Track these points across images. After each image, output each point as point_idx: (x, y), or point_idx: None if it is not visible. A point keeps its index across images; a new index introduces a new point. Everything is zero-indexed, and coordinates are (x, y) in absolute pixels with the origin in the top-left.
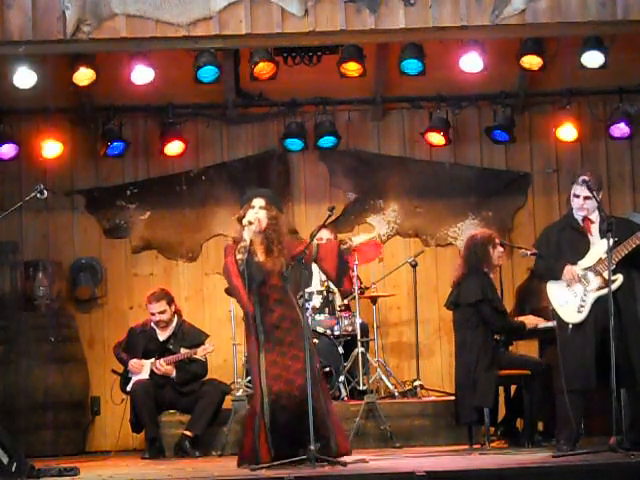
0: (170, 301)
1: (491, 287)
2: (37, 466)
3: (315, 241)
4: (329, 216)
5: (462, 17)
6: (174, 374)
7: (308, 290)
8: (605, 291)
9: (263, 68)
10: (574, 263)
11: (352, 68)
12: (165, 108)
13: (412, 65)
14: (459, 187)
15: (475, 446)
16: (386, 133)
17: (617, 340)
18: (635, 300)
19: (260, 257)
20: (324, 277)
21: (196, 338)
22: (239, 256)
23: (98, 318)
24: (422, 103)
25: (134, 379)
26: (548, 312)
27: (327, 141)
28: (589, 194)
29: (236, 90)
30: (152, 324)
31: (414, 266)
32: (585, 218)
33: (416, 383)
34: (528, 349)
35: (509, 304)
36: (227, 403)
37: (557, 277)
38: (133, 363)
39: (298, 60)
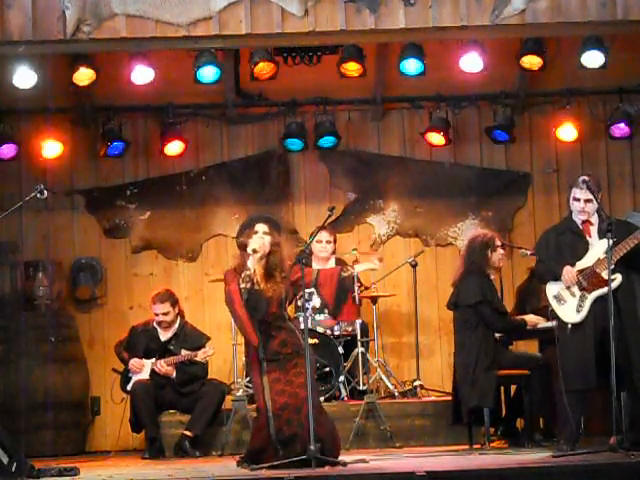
0: (174, 303)
1: (491, 288)
2: (37, 466)
3: (315, 267)
4: (329, 216)
5: (462, 17)
6: (174, 375)
7: (308, 290)
8: (604, 291)
9: (263, 68)
10: (573, 265)
11: (352, 68)
12: (165, 108)
13: (412, 65)
14: (459, 187)
15: (475, 446)
16: (386, 133)
17: (617, 340)
18: (635, 300)
19: (261, 284)
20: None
21: (197, 340)
22: (243, 285)
23: (98, 318)
24: (422, 103)
25: (134, 379)
26: (548, 312)
27: (327, 141)
28: (590, 197)
29: (236, 90)
30: (154, 324)
31: (414, 266)
32: (584, 221)
33: (416, 383)
34: (528, 349)
35: (509, 304)
36: (227, 403)
37: (557, 278)
38: (133, 362)
39: (298, 60)
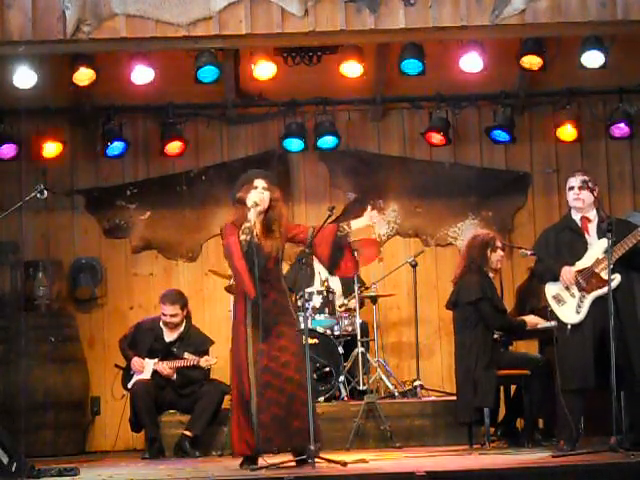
0: (184, 305)
1: (490, 286)
2: (37, 466)
3: (311, 228)
4: (329, 216)
5: (462, 17)
6: (175, 377)
7: (308, 290)
8: (603, 291)
9: (263, 68)
10: (572, 264)
11: (352, 68)
12: (165, 108)
13: (412, 65)
14: (459, 187)
15: (475, 446)
16: (386, 133)
17: (616, 340)
18: (634, 300)
19: (260, 239)
20: (324, 277)
21: (202, 345)
22: (243, 237)
23: (98, 318)
24: (422, 103)
25: (136, 378)
26: (547, 312)
27: (327, 141)
28: (583, 183)
29: (236, 90)
30: (161, 323)
31: (414, 266)
32: (583, 218)
33: (416, 383)
34: (528, 349)
35: (509, 304)
36: (227, 403)
37: (556, 278)
38: (136, 361)
39: (298, 60)
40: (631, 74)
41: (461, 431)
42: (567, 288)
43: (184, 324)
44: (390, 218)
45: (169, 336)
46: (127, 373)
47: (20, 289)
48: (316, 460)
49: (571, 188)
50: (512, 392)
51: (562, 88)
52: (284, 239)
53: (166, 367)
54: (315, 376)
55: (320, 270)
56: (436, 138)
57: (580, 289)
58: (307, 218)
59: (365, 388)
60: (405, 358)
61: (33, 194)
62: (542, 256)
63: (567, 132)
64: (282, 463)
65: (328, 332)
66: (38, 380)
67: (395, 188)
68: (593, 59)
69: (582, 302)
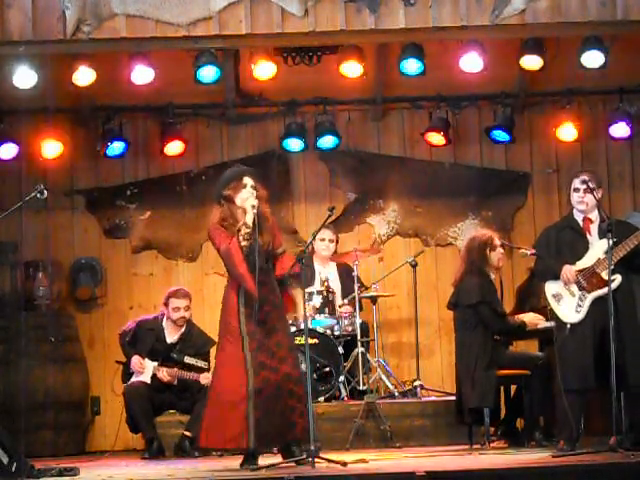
0: (190, 301)
1: (490, 288)
2: (37, 466)
3: (317, 266)
4: (329, 216)
5: (462, 17)
6: (175, 382)
7: (308, 290)
8: (604, 291)
9: (263, 68)
10: (573, 264)
11: (352, 68)
12: (165, 108)
13: (412, 65)
14: (459, 187)
15: (475, 446)
16: (386, 133)
17: (615, 341)
18: (634, 301)
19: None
20: (324, 277)
21: (203, 346)
22: (244, 243)
23: (98, 318)
24: (422, 103)
25: (135, 378)
26: (547, 312)
27: (327, 141)
28: (589, 187)
29: (236, 90)
30: (163, 323)
31: (414, 266)
32: (585, 218)
33: (416, 383)
34: (528, 349)
35: (509, 304)
36: None
37: (556, 277)
38: (135, 363)
39: (298, 60)
40: (631, 74)
41: (461, 431)
42: (567, 287)
43: (185, 324)
44: (390, 218)
45: (171, 337)
46: (127, 370)
47: (20, 289)
48: (316, 460)
49: (576, 190)
50: (512, 392)
51: (562, 88)
52: (272, 234)
53: (166, 375)
54: (315, 376)
55: (320, 270)
56: (436, 138)
57: (580, 288)
58: (307, 218)
59: (365, 388)
60: (405, 358)
61: (33, 194)
62: (543, 255)
63: (567, 132)
64: (282, 463)
65: (328, 332)
66: (38, 380)
67: (395, 188)
68: (593, 59)
69: (582, 301)
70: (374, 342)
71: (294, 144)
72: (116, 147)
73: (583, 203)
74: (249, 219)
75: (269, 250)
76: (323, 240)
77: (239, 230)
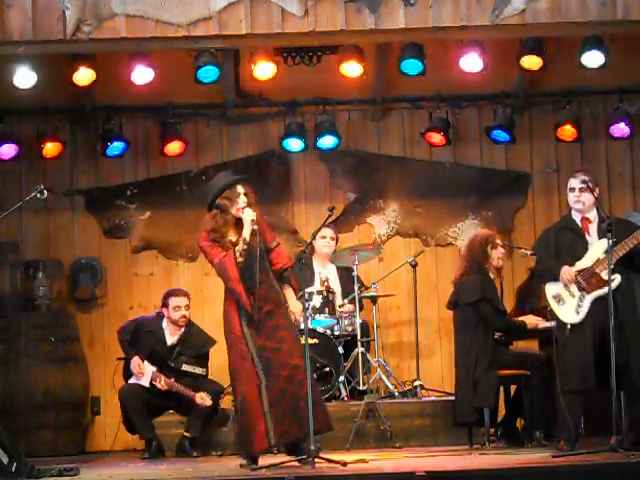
0: (190, 300)
1: (491, 287)
2: (37, 466)
3: (316, 267)
4: (329, 216)
5: (462, 17)
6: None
7: (308, 290)
8: (604, 291)
9: (263, 68)
10: (572, 265)
11: (352, 68)
12: (165, 108)
13: (412, 65)
14: (459, 187)
15: (475, 446)
16: (386, 133)
17: (616, 340)
18: (634, 301)
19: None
20: (324, 277)
21: (202, 347)
22: (240, 259)
23: (98, 318)
24: (422, 103)
25: (134, 380)
26: (547, 312)
27: (327, 141)
28: (585, 185)
29: (236, 90)
30: (163, 324)
31: (414, 266)
32: (583, 218)
33: (416, 383)
34: (528, 349)
35: (509, 304)
36: (227, 403)
37: (556, 278)
38: (135, 366)
39: (298, 60)
40: (631, 74)
41: (461, 431)
42: (567, 288)
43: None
44: (390, 218)
45: (171, 338)
46: (128, 367)
47: (20, 289)
48: (316, 460)
49: (572, 189)
50: (512, 392)
51: (562, 88)
52: (262, 234)
53: (164, 385)
54: (315, 376)
55: (320, 270)
56: (436, 138)
57: (580, 289)
58: (307, 218)
59: (365, 388)
60: (405, 358)
61: (33, 194)
62: (542, 256)
63: (567, 132)
64: (282, 463)
65: (328, 332)
66: (38, 380)
67: (395, 188)
68: (593, 59)
69: (582, 302)
70: (374, 342)
71: (294, 144)
72: (116, 147)
73: (580, 202)
74: (246, 233)
75: (263, 250)
76: (324, 237)
77: (235, 245)
